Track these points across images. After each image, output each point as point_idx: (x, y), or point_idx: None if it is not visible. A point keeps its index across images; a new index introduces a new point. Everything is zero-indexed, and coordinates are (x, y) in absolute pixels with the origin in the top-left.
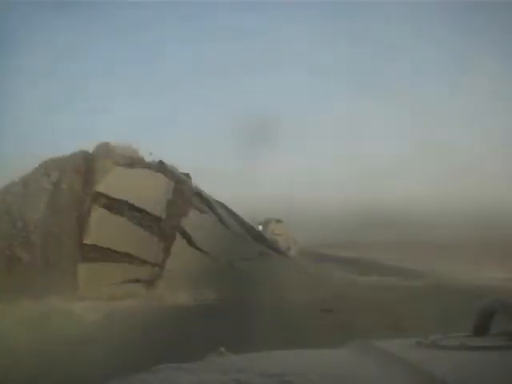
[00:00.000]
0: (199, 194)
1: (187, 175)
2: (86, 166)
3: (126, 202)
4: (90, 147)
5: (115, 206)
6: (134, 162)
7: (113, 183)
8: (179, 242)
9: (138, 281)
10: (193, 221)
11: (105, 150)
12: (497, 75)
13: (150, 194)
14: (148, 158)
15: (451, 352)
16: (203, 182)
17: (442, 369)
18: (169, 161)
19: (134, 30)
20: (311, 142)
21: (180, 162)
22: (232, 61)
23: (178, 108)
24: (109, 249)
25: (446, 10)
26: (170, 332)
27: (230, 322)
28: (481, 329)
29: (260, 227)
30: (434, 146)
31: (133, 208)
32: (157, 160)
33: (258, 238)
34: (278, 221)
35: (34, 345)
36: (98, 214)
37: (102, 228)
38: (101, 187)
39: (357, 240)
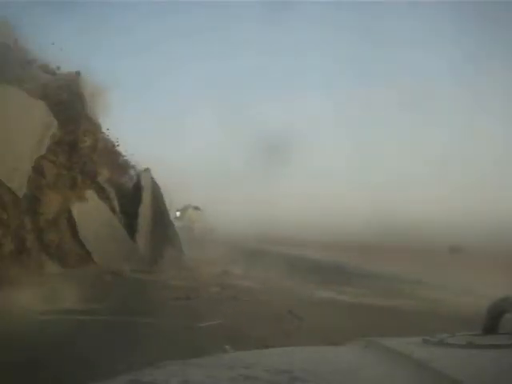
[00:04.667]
0: (115, 154)
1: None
2: None
3: None
4: None
5: None
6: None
7: None
8: None
9: None
10: (84, 208)
11: None
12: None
13: (12, 144)
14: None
15: (459, 350)
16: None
17: (452, 366)
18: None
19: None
20: (322, 162)
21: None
22: (245, 80)
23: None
24: None
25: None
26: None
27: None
28: (489, 328)
29: (178, 213)
30: (453, 157)
31: None
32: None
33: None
34: (196, 208)
35: None
36: None
37: None
38: None
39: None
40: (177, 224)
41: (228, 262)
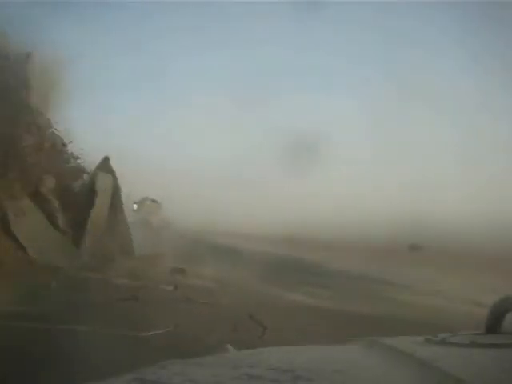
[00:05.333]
0: (65, 155)
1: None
2: None
3: None
4: None
5: None
6: None
7: None
8: None
9: None
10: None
11: None
12: None
13: None
14: None
15: (462, 349)
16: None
17: (455, 365)
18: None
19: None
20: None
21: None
22: (268, 78)
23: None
24: None
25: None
26: None
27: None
28: (492, 327)
29: (135, 206)
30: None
31: None
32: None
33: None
34: (154, 201)
35: None
36: None
37: None
38: None
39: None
40: (134, 217)
41: (186, 258)
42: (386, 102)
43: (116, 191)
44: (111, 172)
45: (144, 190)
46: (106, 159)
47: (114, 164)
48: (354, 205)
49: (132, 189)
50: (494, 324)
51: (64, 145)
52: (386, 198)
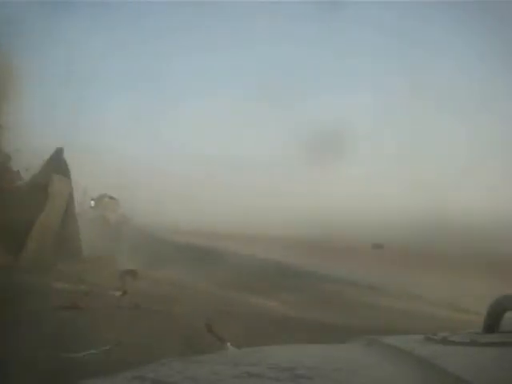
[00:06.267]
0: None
1: None
2: None
3: None
4: None
5: None
6: None
7: None
8: None
9: None
10: None
11: None
12: None
13: None
14: None
15: (462, 348)
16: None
17: (455, 364)
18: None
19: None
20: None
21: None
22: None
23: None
24: None
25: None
26: None
27: None
28: (491, 326)
29: (92, 203)
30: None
31: None
32: None
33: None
34: (112, 198)
35: None
36: None
37: None
38: None
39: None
40: (91, 214)
41: (143, 259)
42: (399, 100)
43: (68, 192)
44: (66, 170)
45: (110, 188)
46: (59, 150)
47: (71, 160)
48: (353, 205)
49: (88, 184)
50: (493, 323)
51: (9, 157)
52: (390, 199)
